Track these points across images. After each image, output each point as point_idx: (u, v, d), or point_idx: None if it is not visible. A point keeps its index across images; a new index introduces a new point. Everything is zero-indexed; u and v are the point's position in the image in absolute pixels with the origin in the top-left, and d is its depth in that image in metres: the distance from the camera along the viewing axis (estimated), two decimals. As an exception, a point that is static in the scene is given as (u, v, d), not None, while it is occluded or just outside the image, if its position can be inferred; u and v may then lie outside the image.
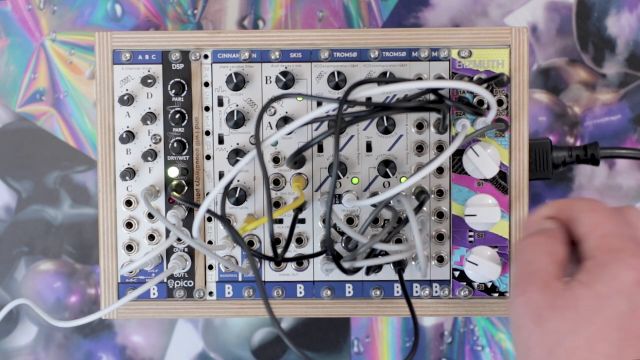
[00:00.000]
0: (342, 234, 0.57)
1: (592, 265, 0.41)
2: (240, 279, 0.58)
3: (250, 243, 0.58)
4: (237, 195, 0.56)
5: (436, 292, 0.58)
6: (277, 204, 0.57)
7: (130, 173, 0.56)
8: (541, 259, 0.43)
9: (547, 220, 0.46)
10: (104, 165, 0.57)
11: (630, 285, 0.40)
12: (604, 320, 0.40)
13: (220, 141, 0.57)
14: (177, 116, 0.56)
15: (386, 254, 0.54)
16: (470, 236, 0.57)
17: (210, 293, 0.58)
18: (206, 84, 0.57)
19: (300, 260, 0.57)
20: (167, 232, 0.57)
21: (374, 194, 0.57)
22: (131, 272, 0.57)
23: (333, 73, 0.56)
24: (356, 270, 0.54)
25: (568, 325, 0.40)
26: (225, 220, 0.53)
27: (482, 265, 0.55)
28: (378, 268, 0.57)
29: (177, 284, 0.58)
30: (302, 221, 0.57)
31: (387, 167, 0.56)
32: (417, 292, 0.58)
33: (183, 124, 0.57)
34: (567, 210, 0.45)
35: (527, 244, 0.44)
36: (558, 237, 0.44)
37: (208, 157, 0.57)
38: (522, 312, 0.42)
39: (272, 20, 0.68)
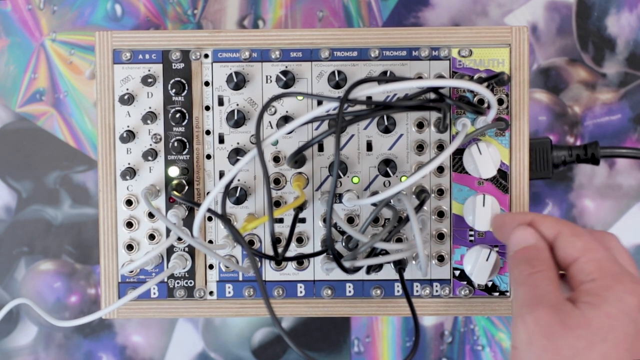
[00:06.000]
0: (342, 233, 0.57)
1: (595, 287, 0.44)
2: (240, 278, 0.58)
3: (251, 242, 0.58)
4: (237, 195, 0.56)
5: (437, 291, 0.58)
6: (277, 203, 0.57)
7: (130, 172, 0.56)
8: (544, 284, 0.46)
9: (529, 232, 0.48)
10: (105, 164, 0.57)
11: (634, 308, 0.43)
12: (615, 339, 0.43)
13: (221, 140, 0.57)
14: (178, 115, 0.56)
15: (387, 253, 0.54)
16: (471, 235, 0.57)
17: (211, 292, 0.58)
18: (206, 84, 0.57)
19: (300, 259, 0.57)
20: (168, 231, 0.57)
21: (375, 193, 0.57)
22: (131, 271, 0.57)
23: (333, 72, 0.56)
24: (357, 269, 0.54)
25: (582, 342, 0.43)
26: (225, 219, 0.53)
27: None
28: (378, 267, 0.57)
29: (178, 283, 0.58)
30: (303, 220, 0.57)
31: (387, 166, 0.56)
32: (417, 291, 0.58)
33: (183, 124, 0.57)
34: (550, 230, 0.48)
35: (527, 272, 0.47)
36: (552, 264, 0.47)
37: (208, 157, 0.57)
38: (533, 328, 0.44)
39: (272, 20, 0.68)
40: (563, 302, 0.44)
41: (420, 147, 0.57)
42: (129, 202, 0.57)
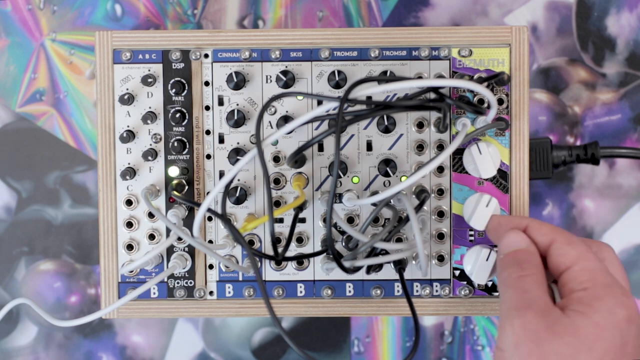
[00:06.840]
0: (342, 233, 0.57)
1: (586, 297, 0.44)
2: (240, 278, 0.58)
3: (251, 242, 0.58)
4: (237, 195, 0.56)
5: (437, 291, 0.58)
6: (277, 203, 0.57)
7: (130, 172, 0.56)
8: (534, 288, 0.46)
9: (521, 236, 0.49)
10: (104, 164, 0.57)
11: (622, 320, 0.44)
12: (602, 349, 0.43)
13: (221, 140, 0.57)
14: (178, 115, 0.56)
15: (387, 253, 0.54)
16: (471, 235, 0.57)
17: (211, 292, 0.58)
18: (206, 83, 0.57)
19: (300, 259, 0.57)
20: (168, 231, 0.57)
21: (375, 193, 0.57)
22: (131, 271, 0.57)
23: (333, 72, 0.56)
24: (357, 269, 0.54)
25: (569, 349, 0.43)
26: (225, 219, 0.53)
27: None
28: (378, 267, 0.57)
29: (178, 283, 0.58)
30: (303, 220, 0.57)
31: (387, 166, 0.56)
32: (417, 291, 0.58)
33: (183, 123, 0.57)
34: (545, 237, 0.48)
35: (516, 274, 0.47)
36: (542, 269, 0.47)
37: (208, 157, 0.57)
38: (520, 332, 0.44)
39: (272, 20, 0.68)
40: (552, 308, 0.45)
41: (420, 147, 0.57)
42: (129, 202, 0.57)
